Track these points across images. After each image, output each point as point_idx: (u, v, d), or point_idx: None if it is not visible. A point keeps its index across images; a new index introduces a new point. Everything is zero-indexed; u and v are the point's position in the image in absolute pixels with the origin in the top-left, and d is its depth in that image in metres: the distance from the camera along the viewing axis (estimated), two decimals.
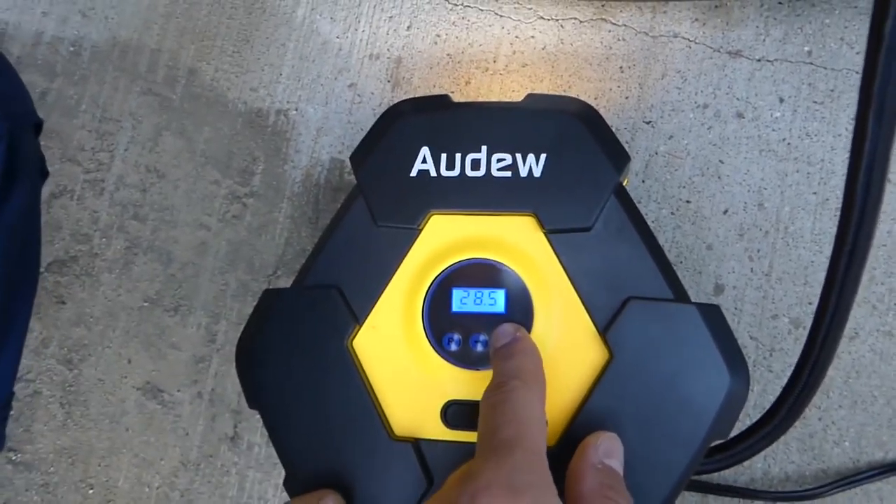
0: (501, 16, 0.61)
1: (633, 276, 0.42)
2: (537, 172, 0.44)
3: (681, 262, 0.55)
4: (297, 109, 0.64)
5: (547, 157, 0.44)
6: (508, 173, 0.44)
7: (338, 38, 0.64)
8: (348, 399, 0.43)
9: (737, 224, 0.55)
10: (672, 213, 0.56)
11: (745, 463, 0.53)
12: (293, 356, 0.44)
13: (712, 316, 0.41)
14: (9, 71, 0.35)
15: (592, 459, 0.35)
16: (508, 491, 0.27)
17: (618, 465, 0.36)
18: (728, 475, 0.53)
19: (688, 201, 0.56)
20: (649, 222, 0.56)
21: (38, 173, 0.34)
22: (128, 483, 0.61)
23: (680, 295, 0.42)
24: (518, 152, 0.44)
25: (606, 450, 0.36)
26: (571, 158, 0.44)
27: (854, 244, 0.33)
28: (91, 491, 0.61)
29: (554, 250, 0.43)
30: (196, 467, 0.60)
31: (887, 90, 0.27)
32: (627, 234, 0.43)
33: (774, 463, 0.53)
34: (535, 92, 0.50)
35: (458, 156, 0.45)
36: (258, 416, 0.59)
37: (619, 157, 0.44)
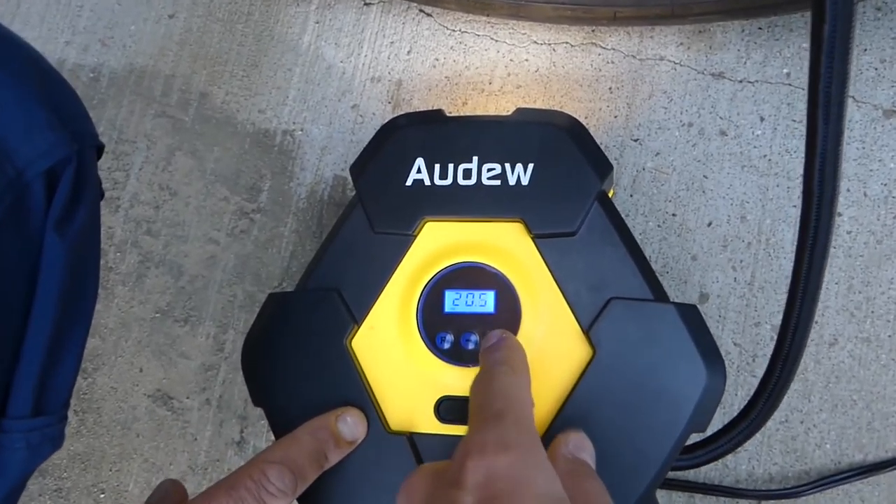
0: (497, 40, 0.64)
1: (615, 277, 0.45)
2: (525, 181, 0.47)
3: (667, 272, 0.58)
4: (302, 130, 0.67)
5: (534, 167, 0.47)
6: (498, 182, 0.47)
7: (341, 62, 0.67)
8: (347, 395, 0.45)
9: (720, 236, 0.58)
10: (659, 226, 0.59)
11: (731, 464, 0.55)
12: (296, 355, 0.47)
13: (690, 315, 0.44)
14: (74, 94, 0.37)
15: (562, 450, 0.37)
16: (499, 447, 0.29)
17: (589, 459, 0.37)
18: (714, 476, 0.55)
19: (674, 214, 0.59)
20: (637, 234, 0.58)
21: (98, 194, 0.36)
22: (138, 487, 0.63)
23: (659, 295, 0.44)
24: (507, 162, 0.47)
25: (576, 445, 0.38)
26: (557, 168, 0.47)
27: (816, 231, 0.35)
28: (102, 495, 0.63)
29: (541, 254, 0.46)
30: (204, 471, 0.62)
31: (831, 90, 0.29)
32: (610, 239, 0.45)
33: (759, 464, 0.55)
34: (523, 107, 0.53)
35: (450, 166, 0.48)
36: (264, 422, 0.62)
37: (602, 166, 0.47)
